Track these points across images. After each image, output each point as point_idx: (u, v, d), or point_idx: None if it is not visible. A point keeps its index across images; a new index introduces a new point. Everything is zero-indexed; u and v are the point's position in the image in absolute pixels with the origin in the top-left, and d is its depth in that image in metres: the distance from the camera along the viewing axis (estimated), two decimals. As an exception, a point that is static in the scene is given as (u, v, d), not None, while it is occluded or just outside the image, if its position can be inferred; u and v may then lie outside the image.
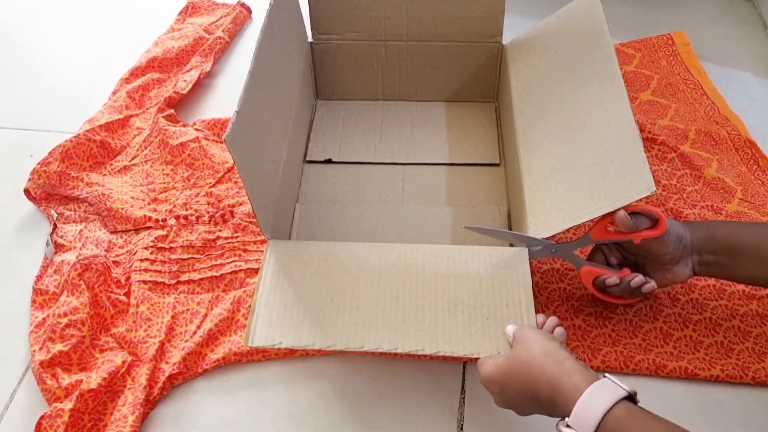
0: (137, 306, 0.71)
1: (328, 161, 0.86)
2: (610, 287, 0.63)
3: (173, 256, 0.76)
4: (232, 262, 0.75)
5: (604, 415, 0.44)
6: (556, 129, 0.70)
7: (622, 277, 0.62)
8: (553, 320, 0.57)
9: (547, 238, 0.63)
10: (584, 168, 0.63)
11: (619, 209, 0.59)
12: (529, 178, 0.69)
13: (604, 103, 0.66)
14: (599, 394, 0.46)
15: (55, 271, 0.75)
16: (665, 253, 0.61)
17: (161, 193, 0.84)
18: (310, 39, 0.87)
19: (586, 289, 0.67)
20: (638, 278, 0.61)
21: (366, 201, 0.81)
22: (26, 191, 0.83)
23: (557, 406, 0.48)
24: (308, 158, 0.86)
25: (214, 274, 0.75)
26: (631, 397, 0.46)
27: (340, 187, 0.83)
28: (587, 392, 0.46)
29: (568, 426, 0.46)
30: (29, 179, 0.82)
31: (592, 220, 0.61)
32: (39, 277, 0.76)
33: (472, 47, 0.86)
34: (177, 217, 0.80)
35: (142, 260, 0.75)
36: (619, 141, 0.61)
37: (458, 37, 0.85)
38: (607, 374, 0.48)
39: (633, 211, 0.61)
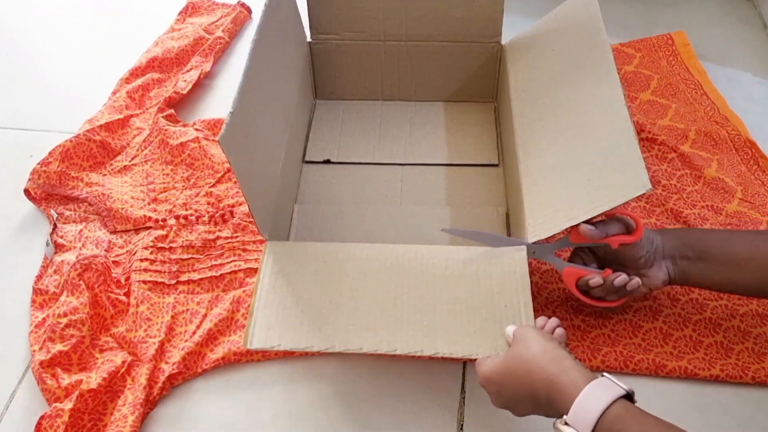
0: (137, 306, 0.71)
1: (327, 162, 0.86)
2: (594, 288, 0.63)
3: (173, 256, 0.76)
4: (231, 262, 0.75)
5: (603, 413, 0.44)
6: (553, 129, 0.70)
7: (605, 276, 0.62)
8: (553, 321, 0.57)
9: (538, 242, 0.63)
10: (581, 167, 0.63)
11: (580, 223, 0.60)
12: (528, 179, 0.69)
13: (600, 101, 0.66)
14: (597, 393, 0.46)
15: (55, 271, 0.75)
16: (639, 257, 0.62)
17: (161, 193, 0.84)
18: (308, 39, 0.87)
19: (569, 292, 0.66)
20: (621, 277, 0.61)
21: (365, 201, 0.81)
22: (26, 191, 0.83)
23: (555, 405, 0.48)
24: (307, 158, 0.86)
25: (214, 274, 0.75)
26: (629, 396, 0.46)
27: (339, 187, 0.83)
28: (585, 390, 0.46)
29: (566, 424, 0.46)
30: (29, 179, 0.82)
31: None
32: (39, 277, 0.76)
33: (472, 47, 0.86)
34: (177, 217, 0.80)
35: (142, 260, 0.75)
36: (615, 139, 0.61)
37: (457, 37, 0.85)
38: (605, 373, 0.48)
39: (610, 216, 0.62)
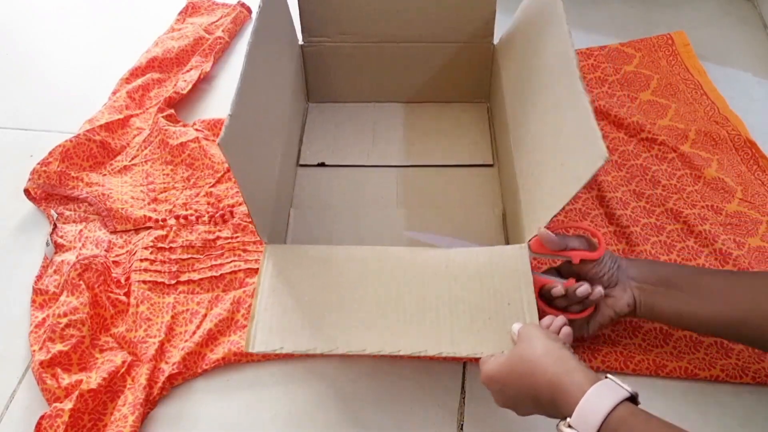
0: (137, 306, 0.71)
1: (322, 165, 0.85)
2: (556, 298, 0.62)
3: (173, 256, 0.76)
4: (231, 262, 0.75)
5: (607, 416, 0.44)
6: (536, 126, 0.69)
7: (567, 286, 0.61)
8: (560, 320, 0.57)
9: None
10: (556, 157, 0.62)
11: (541, 228, 0.59)
12: (521, 179, 0.69)
13: (562, 88, 0.64)
14: (602, 395, 0.46)
15: (55, 271, 0.75)
16: (602, 274, 0.61)
17: (161, 193, 0.84)
18: (300, 42, 0.87)
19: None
20: (584, 287, 0.60)
21: (361, 204, 0.81)
22: (26, 191, 0.83)
23: (558, 406, 0.48)
24: (301, 162, 0.85)
25: (214, 274, 0.75)
26: (633, 398, 0.46)
27: (334, 190, 0.83)
28: (590, 392, 0.46)
29: (569, 426, 0.46)
30: (29, 179, 0.82)
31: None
32: (39, 277, 0.76)
33: (464, 48, 0.86)
34: (177, 217, 0.80)
35: (141, 260, 0.75)
36: (576, 119, 0.59)
37: (450, 37, 0.85)
38: (609, 375, 0.48)
39: (575, 234, 0.62)
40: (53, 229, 0.79)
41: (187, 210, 0.81)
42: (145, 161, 0.87)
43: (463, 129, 0.89)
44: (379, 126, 0.90)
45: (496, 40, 0.85)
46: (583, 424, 0.45)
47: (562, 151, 0.61)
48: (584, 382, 0.47)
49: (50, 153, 0.84)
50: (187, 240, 0.77)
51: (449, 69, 0.88)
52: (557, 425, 0.48)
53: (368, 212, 0.79)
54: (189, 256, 0.76)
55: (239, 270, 0.75)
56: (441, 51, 0.86)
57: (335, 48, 0.86)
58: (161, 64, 1.00)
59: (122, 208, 0.80)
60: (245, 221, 0.79)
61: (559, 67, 0.64)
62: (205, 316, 0.72)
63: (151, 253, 0.76)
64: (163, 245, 0.77)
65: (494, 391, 0.54)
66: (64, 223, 0.81)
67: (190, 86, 0.96)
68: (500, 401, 0.54)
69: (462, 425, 0.64)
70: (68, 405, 0.62)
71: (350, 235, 0.77)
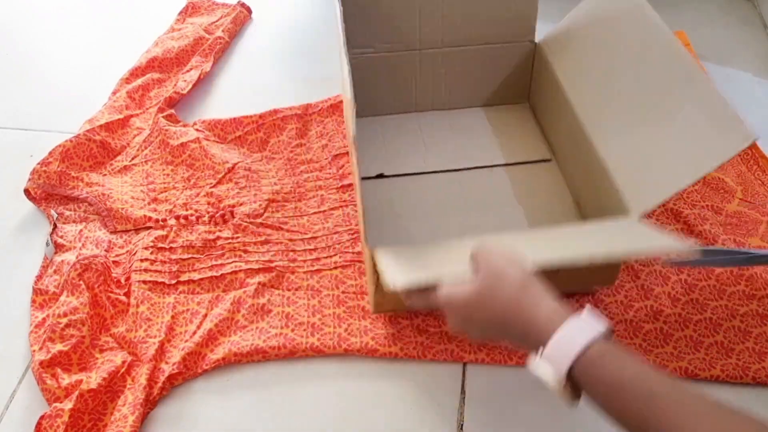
0: (137, 306, 0.71)
1: (381, 176, 0.83)
2: None
3: (173, 256, 0.76)
4: (232, 262, 0.75)
5: (581, 352, 0.44)
6: (625, 110, 0.69)
7: None
8: None
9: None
10: (670, 136, 0.63)
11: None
12: (612, 163, 0.69)
13: (671, 71, 0.65)
14: (575, 331, 0.45)
15: (55, 271, 0.75)
16: None
17: (161, 193, 0.84)
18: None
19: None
20: None
21: (431, 212, 0.79)
22: (26, 191, 0.83)
23: (529, 339, 0.47)
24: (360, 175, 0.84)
25: (214, 274, 0.75)
26: (608, 333, 0.46)
27: (399, 200, 0.81)
28: (563, 328, 0.45)
29: (542, 356, 0.45)
30: (29, 179, 0.82)
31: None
32: (39, 277, 0.76)
33: (506, 48, 0.86)
34: (177, 217, 0.80)
35: (142, 260, 0.75)
36: (701, 102, 0.60)
37: (492, 38, 0.85)
38: (587, 306, 0.47)
39: None
40: (53, 229, 0.79)
41: (187, 210, 0.81)
42: (146, 161, 0.87)
43: (511, 128, 0.89)
44: (427, 133, 0.89)
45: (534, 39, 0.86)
46: (555, 360, 0.44)
47: (683, 131, 0.62)
48: (557, 318, 0.46)
49: (50, 153, 0.84)
50: (187, 240, 0.77)
51: (490, 71, 0.88)
52: (528, 359, 0.47)
53: (441, 219, 0.78)
54: (189, 256, 0.76)
55: (239, 270, 0.75)
56: (483, 52, 0.86)
57: (378, 59, 0.85)
58: (161, 64, 1.00)
59: (122, 208, 0.80)
60: (245, 221, 0.79)
61: (659, 50, 0.67)
62: (205, 316, 0.71)
63: (151, 253, 0.76)
64: (163, 245, 0.77)
65: (457, 319, 0.52)
66: (64, 223, 0.81)
67: (190, 86, 0.96)
68: (458, 327, 0.52)
69: (462, 425, 0.64)
70: (68, 405, 0.62)
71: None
